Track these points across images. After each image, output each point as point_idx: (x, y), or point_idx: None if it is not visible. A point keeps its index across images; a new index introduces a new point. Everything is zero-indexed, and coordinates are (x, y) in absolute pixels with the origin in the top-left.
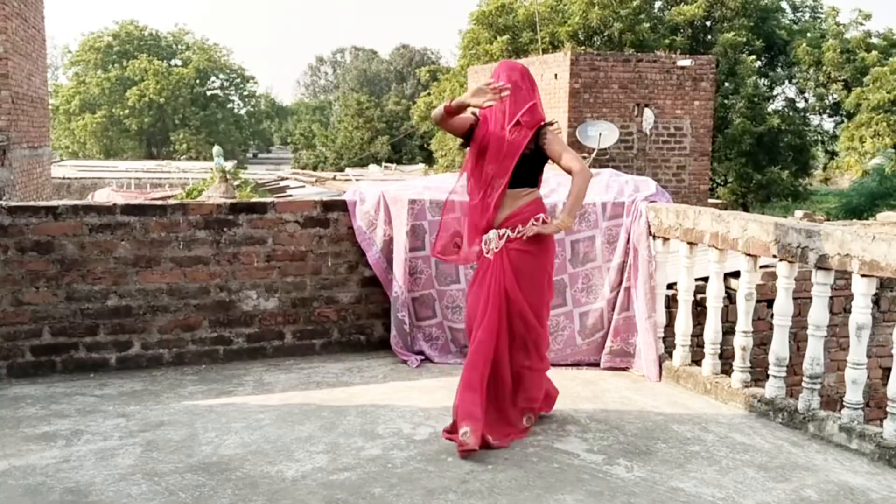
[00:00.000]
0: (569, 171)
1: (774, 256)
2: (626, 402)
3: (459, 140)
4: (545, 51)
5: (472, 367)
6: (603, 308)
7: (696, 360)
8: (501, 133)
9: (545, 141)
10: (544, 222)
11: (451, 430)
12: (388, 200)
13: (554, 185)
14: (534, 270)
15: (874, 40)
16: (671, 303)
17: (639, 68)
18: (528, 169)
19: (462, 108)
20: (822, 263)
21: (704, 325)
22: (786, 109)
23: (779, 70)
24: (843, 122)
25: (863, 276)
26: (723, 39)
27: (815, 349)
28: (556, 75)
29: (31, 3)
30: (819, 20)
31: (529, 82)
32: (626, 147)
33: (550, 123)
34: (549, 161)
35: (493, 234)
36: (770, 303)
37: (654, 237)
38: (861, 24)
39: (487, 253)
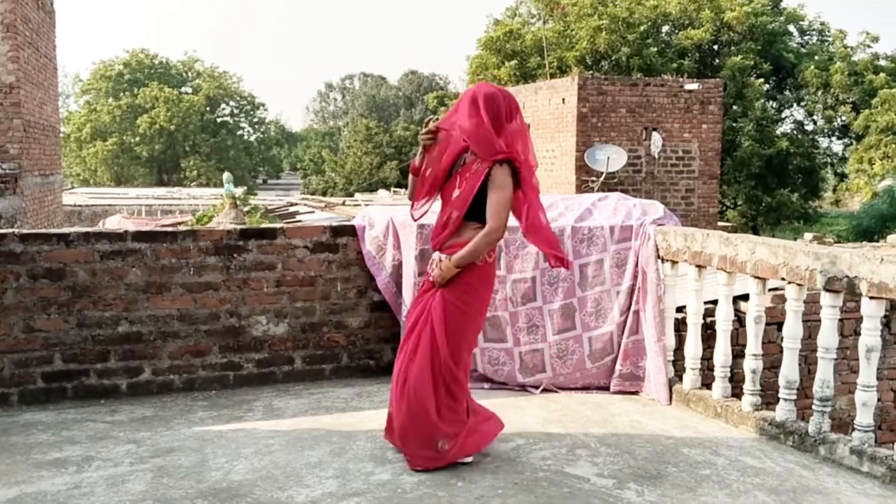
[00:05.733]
0: (485, 223)
1: (783, 279)
2: (637, 425)
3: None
4: (553, 76)
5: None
6: (612, 332)
7: (707, 383)
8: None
9: (490, 180)
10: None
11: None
12: (398, 225)
13: (562, 208)
14: (465, 303)
15: (882, 63)
16: (680, 326)
17: (646, 92)
18: (483, 203)
19: (422, 162)
20: (830, 286)
21: (714, 348)
22: (794, 132)
23: (787, 93)
24: (851, 144)
25: (871, 298)
26: (730, 63)
27: (825, 372)
28: (563, 100)
29: (42, 33)
30: (826, 43)
31: (474, 107)
32: (635, 170)
33: (508, 160)
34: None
35: (436, 255)
36: (780, 325)
37: (663, 260)
38: (869, 46)
39: (431, 270)
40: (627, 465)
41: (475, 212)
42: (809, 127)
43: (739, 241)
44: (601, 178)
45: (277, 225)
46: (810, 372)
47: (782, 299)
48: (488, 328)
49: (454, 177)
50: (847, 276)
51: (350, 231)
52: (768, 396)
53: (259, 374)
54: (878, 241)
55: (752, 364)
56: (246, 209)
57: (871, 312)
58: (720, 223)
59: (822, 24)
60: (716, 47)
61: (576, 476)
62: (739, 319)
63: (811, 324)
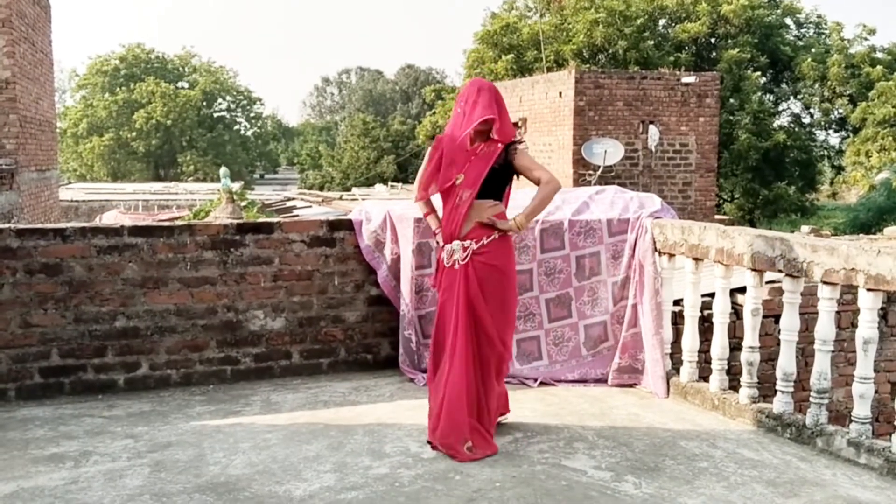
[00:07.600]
0: (537, 182)
1: (780, 272)
2: (634, 418)
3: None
4: (550, 69)
5: (452, 387)
6: (606, 321)
7: (704, 376)
8: (463, 145)
9: (514, 156)
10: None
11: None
12: (395, 219)
13: (559, 202)
14: (499, 285)
15: (879, 55)
16: (678, 319)
17: (643, 85)
18: (496, 182)
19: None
20: (827, 278)
21: (711, 341)
22: (791, 125)
23: (784, 86)
24: (848, 136)
25: (869, 290)
26: (727, 56)
27: (822, 364)
28: (560, 93)
29: (38, 28)
30: (823, 36)
31: (494, 98)
32: (632, 164)
33: (521, 141)
34: (517, 177)
35: (456, 244)
36: (777, 318)
37: (660, 253)
38: (865, 39)
39: (450, 264)
40: (625, 458)
41: (488, 191)
42: (806, 120)
43: (736, 234)
44: (598, 172)
45: (274, 219)
46: (807, 364)
47: (779, 292)
48: None
49: (449, 165)
50: (844, 269)
51: (347, 225)
52: (765, 389)
53: (256, 368)
54: (875, 233)
55: (749, 356)
56: (243, 204)
57: (869, 304)
58: (717, 216)
59: (819, 16)
60: (712, 40)
61: (573, 469)
62: (736, 312)
63: (808, 316)
